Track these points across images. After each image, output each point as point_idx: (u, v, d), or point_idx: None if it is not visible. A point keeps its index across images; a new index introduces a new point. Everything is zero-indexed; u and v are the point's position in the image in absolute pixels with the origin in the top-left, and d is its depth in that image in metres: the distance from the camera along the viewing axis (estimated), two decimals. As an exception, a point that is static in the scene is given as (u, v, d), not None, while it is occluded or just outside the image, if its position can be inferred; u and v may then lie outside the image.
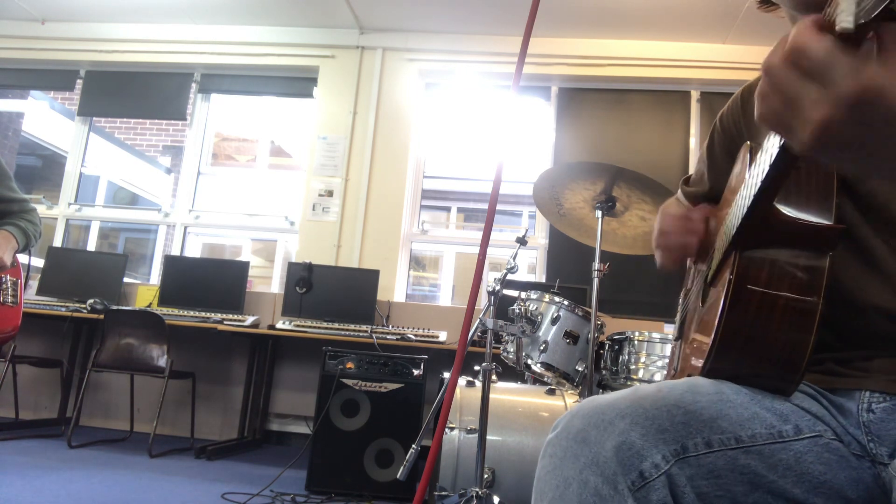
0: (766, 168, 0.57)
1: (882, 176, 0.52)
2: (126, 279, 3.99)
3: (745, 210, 0.65)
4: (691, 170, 1.18)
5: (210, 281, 3.83)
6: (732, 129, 1.00)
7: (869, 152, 0.44)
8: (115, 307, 3.45)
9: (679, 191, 1.16)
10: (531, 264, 4.37)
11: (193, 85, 4.58)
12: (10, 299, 2.34)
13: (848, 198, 0.73)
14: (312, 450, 2.70)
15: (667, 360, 2.07)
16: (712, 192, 1.05)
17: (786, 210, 0.68)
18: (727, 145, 1.01)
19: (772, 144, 0.56)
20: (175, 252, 4.46)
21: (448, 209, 9.03)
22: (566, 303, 2.19)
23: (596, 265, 2.14)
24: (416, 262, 8.19)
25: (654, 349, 2.10)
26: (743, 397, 0.73)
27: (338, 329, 3.36)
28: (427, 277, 8.44)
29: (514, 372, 2.32)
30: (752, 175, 0.64)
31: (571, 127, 4.27)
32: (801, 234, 0.66)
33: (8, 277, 2.34)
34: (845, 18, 0.39)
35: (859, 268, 0.76)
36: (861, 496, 0.69)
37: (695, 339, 0.85)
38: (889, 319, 0.72)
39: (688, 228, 0.96)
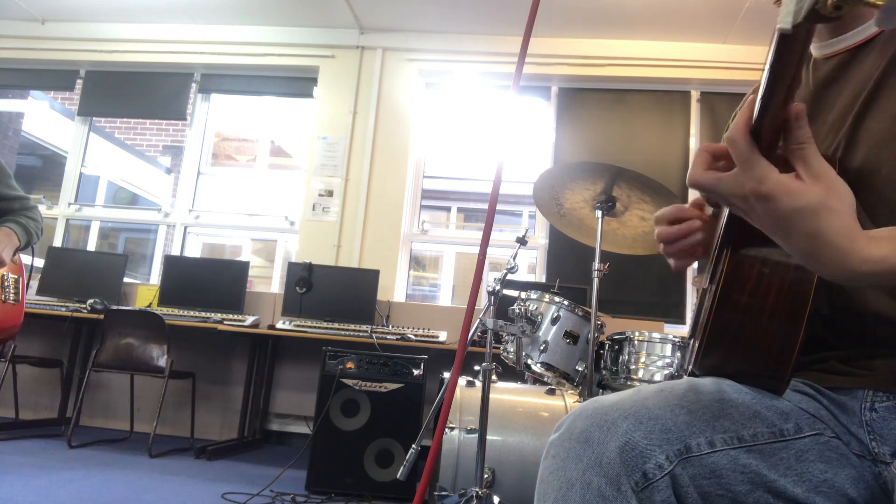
0: None
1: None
2: (126, 279, 3.98)
3: None
4: (691, 170, 1.16)
5: (210, 281, 3.82)
6: None
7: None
8: (115, 307, 3.45)
9: None
10: (531, 264, 4.37)
11: (193, 85, 4.58)
12: (11, 297, 2.33)
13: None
14: (312, 450, 2.70)
15: (667, 361, 2.07)
16: None
17: None
18: None
19: None
20: (175, 252, 4.45)
21: (448, 209, 9.02)
22: (566, 303, 2.19)
23: (596, 265, 2.14)
24: (416, 262, 8.19)
25: (654, 349, 2.10)
26: (744, 396, 0.73)
27: (338, 329, 3.36)
28: (427, 277, 8.44)
29: (514, 372, 2.32)
30: None
31: (571, 127, 4.27)
32: None
33: (10, 275, 2.33)
34: (784, 20, 0.45)
35: None
36: (862, 495, 0.69)
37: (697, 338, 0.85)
38: (889, 325, 0.71)
39: (681, 231, 0.87)
